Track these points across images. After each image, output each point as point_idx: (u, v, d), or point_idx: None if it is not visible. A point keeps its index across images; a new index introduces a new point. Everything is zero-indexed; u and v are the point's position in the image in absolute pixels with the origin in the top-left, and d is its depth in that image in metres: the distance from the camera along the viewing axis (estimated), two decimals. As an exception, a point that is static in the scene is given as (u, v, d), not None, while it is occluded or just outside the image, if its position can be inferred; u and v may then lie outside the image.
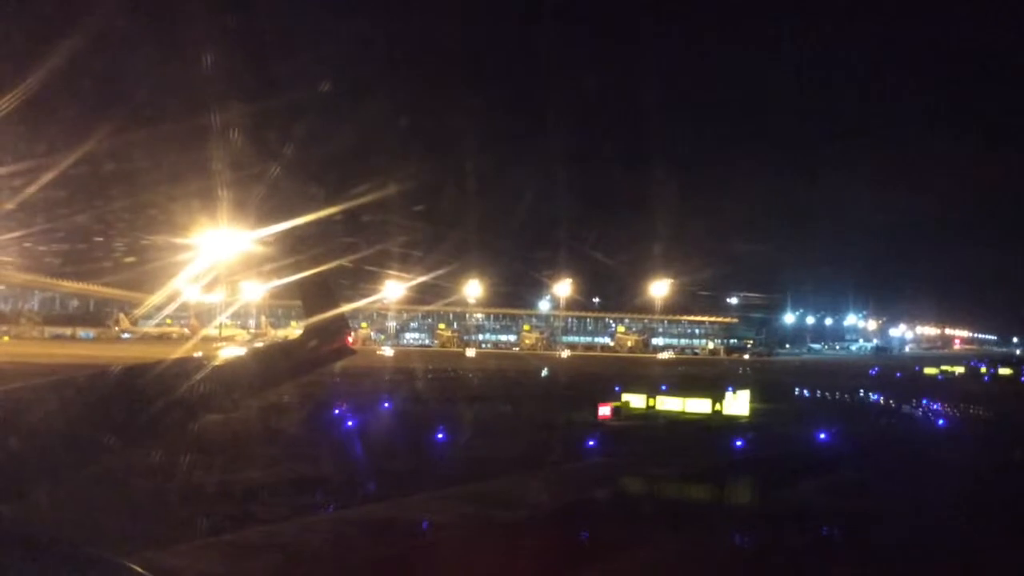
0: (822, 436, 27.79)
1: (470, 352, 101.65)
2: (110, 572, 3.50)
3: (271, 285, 46.16)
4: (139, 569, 3.42)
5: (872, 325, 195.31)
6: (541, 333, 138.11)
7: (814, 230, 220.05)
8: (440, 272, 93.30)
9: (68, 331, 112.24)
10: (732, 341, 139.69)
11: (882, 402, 47.15)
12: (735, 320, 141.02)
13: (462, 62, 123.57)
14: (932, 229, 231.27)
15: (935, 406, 42.90)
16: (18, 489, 4.60)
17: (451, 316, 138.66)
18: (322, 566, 12.42)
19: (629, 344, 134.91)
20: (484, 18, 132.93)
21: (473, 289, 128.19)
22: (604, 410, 32.81)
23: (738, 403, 36.74)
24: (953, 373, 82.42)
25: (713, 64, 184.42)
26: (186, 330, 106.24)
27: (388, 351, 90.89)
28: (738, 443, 26.51)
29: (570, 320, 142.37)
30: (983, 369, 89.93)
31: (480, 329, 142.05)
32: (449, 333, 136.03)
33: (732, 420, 34.27)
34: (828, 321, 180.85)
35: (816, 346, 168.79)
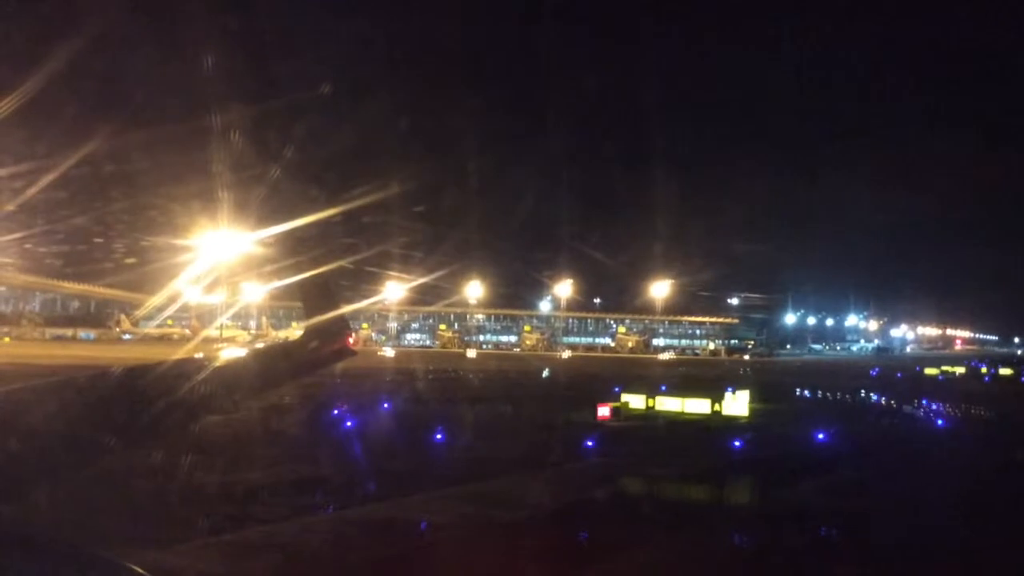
0: (821, 436, 27.77)
1: (471, 353, 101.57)
2: (110, 572, 3.53)
3: (272, 286, 46.22)
4: (139, 569, 3.44)
5: (873, 325, 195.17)
6: (542, 334, 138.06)
7: (815, 230, 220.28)
8: (441, 273, 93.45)
9: (69, 332, 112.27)
10: (733, 342, 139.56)
11: (882, 402, 47.10)
12: (736, 321, 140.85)
13: (462, 62, 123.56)
14: (933, 229, 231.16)
15: (935, 406, 42.87)
16: (18, 489, 4.62)
17: (452, 317, 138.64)
18: (322, 566, 12.45)
19: (630, 345, 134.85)
20: (484, 18, 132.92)
21: (474, 290, 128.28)
22: (603, 411, 32.81)
23: (737, 403, 36.75)
24: (954, 373, 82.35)
25: (713, 64, 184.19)
26: (187, 331, 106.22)
27: (389, 352, 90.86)
28: (736, 443, 26.50)
29: (571, 321, 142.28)
30: (984, 369, 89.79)
31: (481, 330, 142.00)
32: (450, 334, 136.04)
33: (731, 420, 34.27)
34: (829, 322, 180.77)
35: (817, 347, 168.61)
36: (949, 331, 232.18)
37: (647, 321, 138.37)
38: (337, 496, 16.90)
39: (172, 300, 78.63)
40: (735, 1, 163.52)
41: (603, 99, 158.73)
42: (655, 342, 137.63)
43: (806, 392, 50.84)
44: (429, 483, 18.12)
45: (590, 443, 25.09)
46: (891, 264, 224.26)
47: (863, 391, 51.50)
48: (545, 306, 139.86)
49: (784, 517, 15.93)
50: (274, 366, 7.95)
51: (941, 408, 42.05)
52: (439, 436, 25.10)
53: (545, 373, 67.26)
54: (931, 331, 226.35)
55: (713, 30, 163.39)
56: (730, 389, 39.16)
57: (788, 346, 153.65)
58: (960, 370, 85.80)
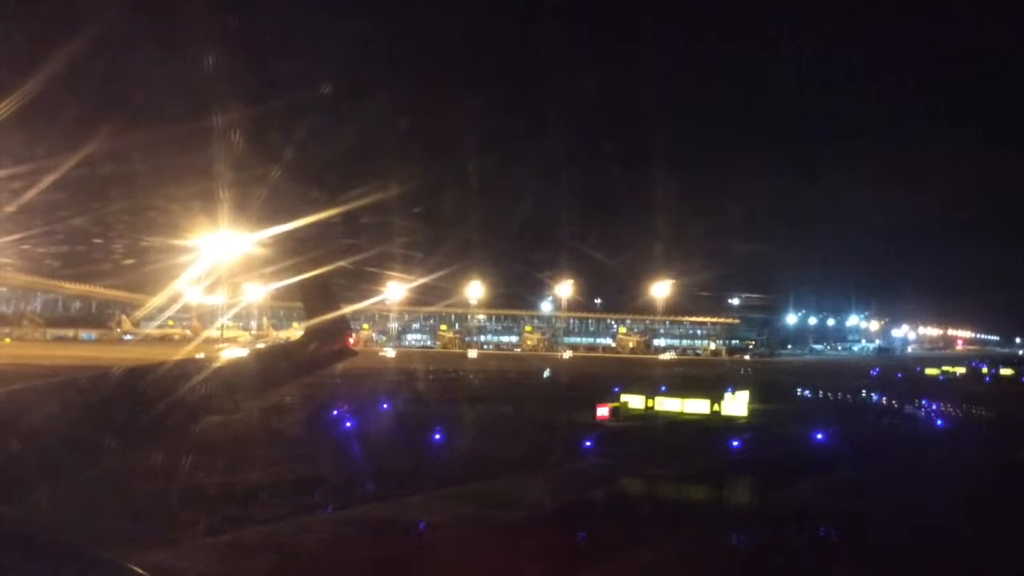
0: (820, 436, 27.75)
1: (472, 353, 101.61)
2: (110, 572, 3.54)
3: (273, 287, 46.27)
4: (139, 569, 3.45)
5: (874, 326, 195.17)
6: (543, 334, 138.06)
7: (815, 230, 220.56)
8: (441, 273, 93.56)
9: (70, 333, 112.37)
10: (734, 342, 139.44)
11: (882, 402, 47.09)
12: (737, 321, 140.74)
13: (462, 62, 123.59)
14: (934, 229, 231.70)
15: (935, 406, 42.86)
16: (19, 490, 4.63)
17: (453, 317, 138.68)
18: (321, 566, 12.47)
19: (631, 345, 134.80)
20: (484, 18, 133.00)
21: (475, 290, 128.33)
22: (602, 411, 32.82)
23: (737, 404, 36.77)
24: (954, 374, 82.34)
25: (713, 64, 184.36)
26: (188, 332, 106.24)
27: (390, 352, 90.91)
28: (735, 444, 26.51)
29: (572, 321, 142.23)
30: (984, 370, 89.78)
31: (482, 330, 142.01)
32: (451, 334, 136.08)
33: (730, 421, 34.29)
34: (830, 322, 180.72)
35: (818, 347, 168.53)
36: (950, 331, 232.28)
37: (648, 321, 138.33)
38: (337, 496, 16.94)
39: (173, 301, 78.72)
40: (735, 1, 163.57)
41: (603, 99, 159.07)
42: (656, 342, 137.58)
43: (806, 392, 50.85)
44: (428, 483, 18.18)
45: (588, 443, 25.10)
46: (892, 264, 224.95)
47: (863, 391, 51.49)
48: (546, 306, 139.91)
49: (782, 517, 15.95)
50: (275, 366, 7.98)
51: (941, 408, 42.04)
52: (439, 436, 25.13)
53: (546, 373, 67.23)
54: (932, 331, 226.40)
55: (713, 30, 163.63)
56: (730, 389, 39.16)
57: (789, 346, 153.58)
58: (961, 370, 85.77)
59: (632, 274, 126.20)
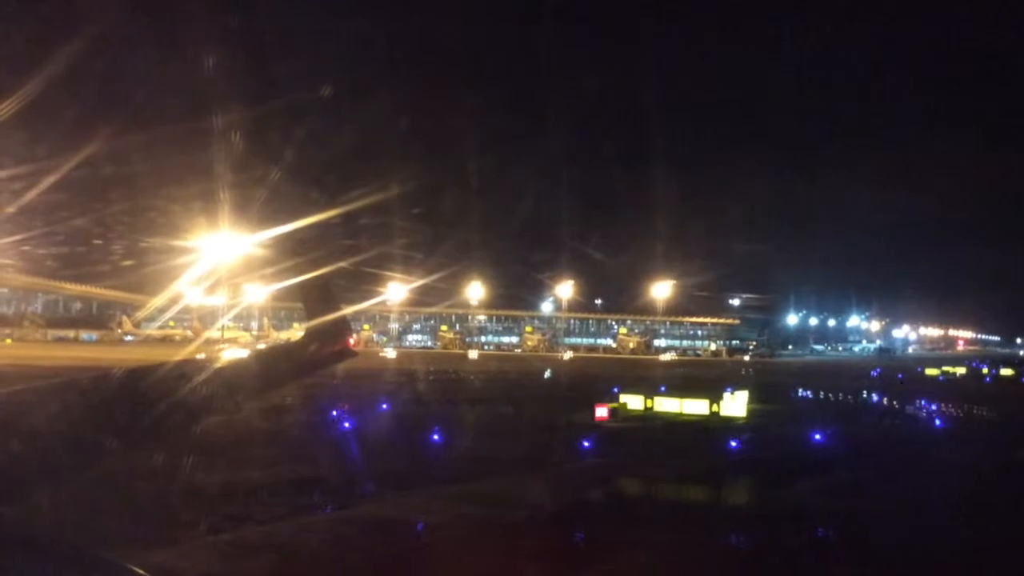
0: (818, 437, 27.73)
1: (472, 354, 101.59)
2: (111, 573, 3.55)
3: (273, 288, 46.26)
4: (140, 570, 3.45)
5: (875, 326, 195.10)
6: (543, 335, 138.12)
7: (815, 230, 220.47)
8: (442, 274, 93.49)
9: (71, 333, 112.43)
10: (734, 342, 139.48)
11: (881, 403, 47.08)
12: (737, 321, 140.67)
13: (462, 62, 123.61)
14: (935, 230, 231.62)
15: (934, 407, 42.85)
16: (20, 491, 4.64)
17: (453, 318, 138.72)
18: (321, 566, 12.49)
19: (631, 346, 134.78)
20: (484, 18, 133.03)
21: (475, 291, 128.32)
22: (601, 411, 32.81)
23: (736, 404, 36.77)
24: (954, 374, 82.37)
25: (713, 64, 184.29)
26: (189, 332, 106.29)
27: (390, 353, 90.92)
28: (733, 444, 26.50)
29: (572, 322, 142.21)
30: (985, 370, 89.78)
31: (482, 331, 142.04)
32: (451, 335, 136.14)
33: (729, 421, 34.29)
34: (831, 322, 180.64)
35: (819, 347, 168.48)
36: (951, 332, 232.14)
37: (648, 322, 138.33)
38: (337, 496, 16.97)
39: (174, 302, 78.61)
40: (735, 1, 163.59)
41: (603, 99, 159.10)
42: (656, 343, 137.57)
43: (805, 393, 50.83)
44: (427, 483, 18.22)
45: (587, 444, 25.09)
46: (892, 264, 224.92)
47: (863, 392, 51.48)
48: (546, 307, 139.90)
49: (780, 518, 15.96)
50: (275, 367, 8.00)
51: (940, 408, 42.04)
52: (438, 437, 25.15)
53: (546, 374, 67.23)
54: (933, 332, 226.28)
55: (713, 30, 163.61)
56: (729, 390, 39.16)
57: (790, 347, 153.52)
58: (961, 371, 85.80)
59: (632, 274, 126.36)
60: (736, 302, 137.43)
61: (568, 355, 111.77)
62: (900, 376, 75.35)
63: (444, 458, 22.46)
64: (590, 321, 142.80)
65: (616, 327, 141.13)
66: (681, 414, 35.58)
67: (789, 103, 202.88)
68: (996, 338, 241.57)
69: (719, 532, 15.09)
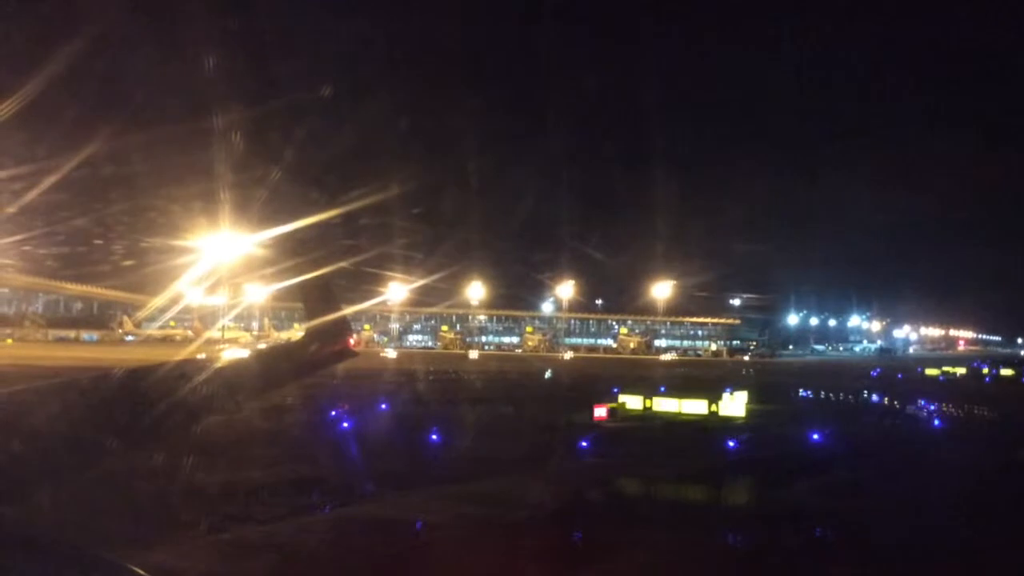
0: (816, 437, 27.70)
1: (473, 354, 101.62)
2: (111, 573, 3.55)
3: (274, 288, 46.28)
4: (140, 570, 3.46)
5: (876, 326, 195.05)
6: (544, 335, 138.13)
7: (816, 230, 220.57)
8: (442, 274, 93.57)
9: (72, 333, 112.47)
10: (735, 343, 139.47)
11: (880, 403, 47.04)
12: (738, 321, 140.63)
13: (462, 62, 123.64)
14: (936, 230, 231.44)
15: (933, 407, 42.82)
16: (21, 491, 4.64)
17: (454, 318, 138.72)
18: (321, 566, 12.50)
19: (632, 346, 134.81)
20: (484, 18, 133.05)
21: (476, 291, 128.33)
22: (600, 411, 32.81)
23: (735, 404, 36.79)
24: (954, 374, 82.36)
25: (713, 64, 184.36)
26: (190, 332, 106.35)
27: (391, 353, 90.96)
28: (731, 444, 26.48)
29: (573, 322, 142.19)
30: (985, 370, 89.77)
31: (483, 331, 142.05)
32: (452, 335, 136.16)
33: (728, 421, 34.29)
34: (832, 322, 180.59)
35: (820, 347, 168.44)
36: (952, 332, 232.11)
37: (649, 322, 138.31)
38: (337, 496, 16.98)
39: (174, 302, 78.65)
40: (735, 1, 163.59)
41: (603, 99, 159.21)
42: (657, 343, 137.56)
43: (804, 393, 50.77)
44: (427, 483, 18.25)
45: (585, 444, 25.09)
46: (893, 264, 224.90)
47: (863, 392, 51.45)
48: (547, 307, 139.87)
49: (776, 517, 15.96)
50: (276, 367, 8.01)
51: (939, 408, 42.01)
52: (438, 437, 25.15)
53: (547, 374, 67.20)
54: (934, 332, 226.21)
55: (713, 30, 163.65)
56: (728, 390, 39.10)
57: (791, 347, 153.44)
58: (961, 371, 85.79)
59: (633, 275, 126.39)
60: (736, 302, 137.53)
61: (569, 355, 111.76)
62: (900, 376, 75.34)
63: (444, 458, 22.46)
64: (591, 321, 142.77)
65: (617, 327, 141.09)
66: (680, 414, 35.60)
67: (789, 103, 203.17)
68: (997, 338, 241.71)
69: (717, 532, 15.09)
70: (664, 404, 37.11)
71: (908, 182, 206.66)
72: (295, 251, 8.19)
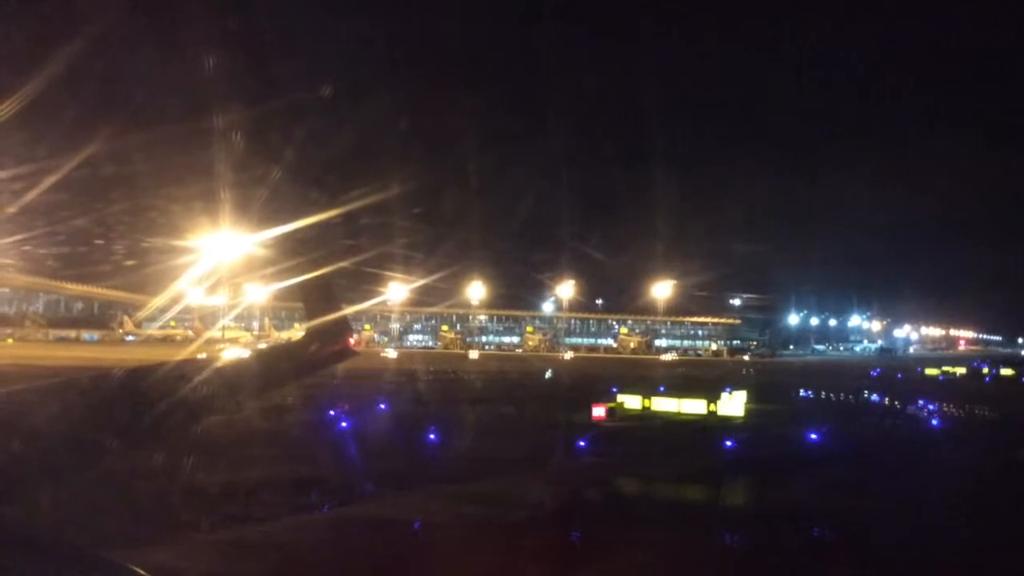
0: (816, 437, 27.69)
1: (473, 354, 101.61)
2: (111, 573, 3.56)
3: (274, 288, 46.29)
4: (139, 570, 3.46)
5: (876, 326, 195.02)
6: (544, 335, 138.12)
7: (816, 230, 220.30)
8: (442, 274, 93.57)
9: (72, 333, 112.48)
10: (735, 342, 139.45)
11: (881, 403, 47.01)
12: (738, 321, 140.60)
13: (462, 62, 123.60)
14: (936, 230, 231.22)
15: (933, 407, 42.79)
16: (21, 491, 4.64)
17: (454, 318, 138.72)
18: (322, 566, 12.50)
19: (632, 346, 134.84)
20: (484, 18, 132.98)
21: (476, 291, 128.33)
22: (598, 411, 32.80)
23: (734, 404, 36.78)
24: (954, 374, 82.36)
25: (713, 64, 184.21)
26: (190, 332, 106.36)
27: (391, 353, 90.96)
28: (729, 444, 26.47)
29: (573, 322, 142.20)
30: (985, 370, 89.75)
31: (483, 331, 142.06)
32: (452, 335, 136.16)
33: (727, 421, 34.28)
34: (832, 322, 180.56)
35: (820, 347, 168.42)
36: (952, 332, 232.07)
37: (649, 322, 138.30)
38: (336, 496, 16.98)
39: (175, 302, 78.68)
40: (735, 1, 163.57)
41: (603, 99, 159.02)
42: (657, 343, 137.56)
43: (804, 392, 50.74)
44: (426, 483, 18.26)
45: (583, 444, 25.08)
46: (893, 264, 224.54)
47: (862, 391, 51.42)
48: (547, 307, 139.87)
49: (774, 517, 15.95)
50: (276, 367, 8.02)
51: (940, 408, 41.99)
52: (438, 437, 25.15)
53: (547, 374, 67.20)
54: (935, 332, 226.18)
55: (713, 30, 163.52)
56: (727, 389, 39.06)
57: (791, 347, 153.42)
58: (961, 371, 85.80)
59: (633, 274, 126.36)
60: (737, 302, 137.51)
61: (569, 355, 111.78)
62: (900, 376, 75.33)
63: (443, 458, 22.47)
64: (591, 321, 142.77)
65: (617, 327, 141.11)
66: (679, 414, 35.60)
67: (789, 103, 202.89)
68: (997, 338, 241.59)
69: (716, 531, 15.09)
70: (663, 404, 37.10)
71: (908, 182, 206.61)
72: (295, 251, 8.20)
